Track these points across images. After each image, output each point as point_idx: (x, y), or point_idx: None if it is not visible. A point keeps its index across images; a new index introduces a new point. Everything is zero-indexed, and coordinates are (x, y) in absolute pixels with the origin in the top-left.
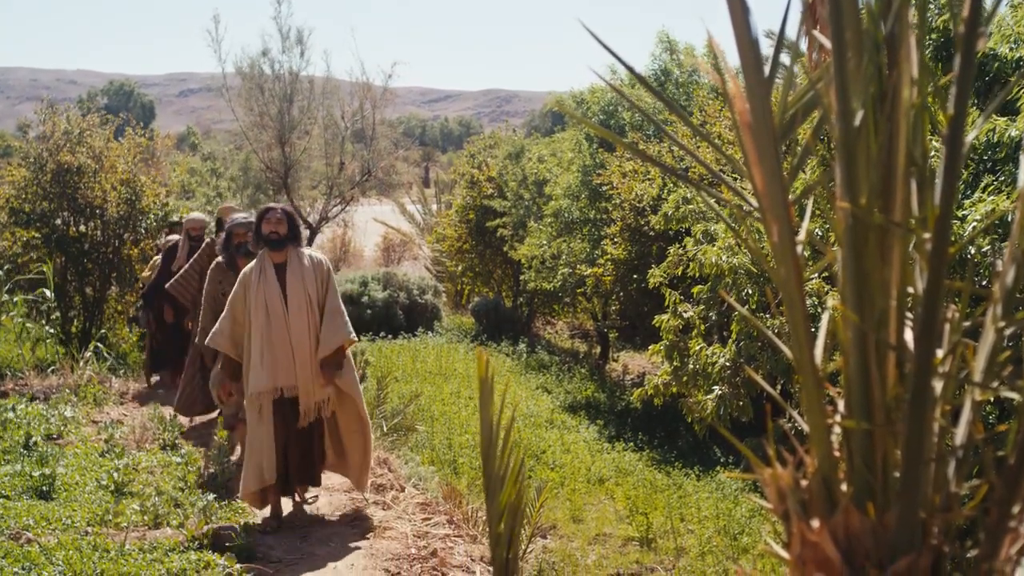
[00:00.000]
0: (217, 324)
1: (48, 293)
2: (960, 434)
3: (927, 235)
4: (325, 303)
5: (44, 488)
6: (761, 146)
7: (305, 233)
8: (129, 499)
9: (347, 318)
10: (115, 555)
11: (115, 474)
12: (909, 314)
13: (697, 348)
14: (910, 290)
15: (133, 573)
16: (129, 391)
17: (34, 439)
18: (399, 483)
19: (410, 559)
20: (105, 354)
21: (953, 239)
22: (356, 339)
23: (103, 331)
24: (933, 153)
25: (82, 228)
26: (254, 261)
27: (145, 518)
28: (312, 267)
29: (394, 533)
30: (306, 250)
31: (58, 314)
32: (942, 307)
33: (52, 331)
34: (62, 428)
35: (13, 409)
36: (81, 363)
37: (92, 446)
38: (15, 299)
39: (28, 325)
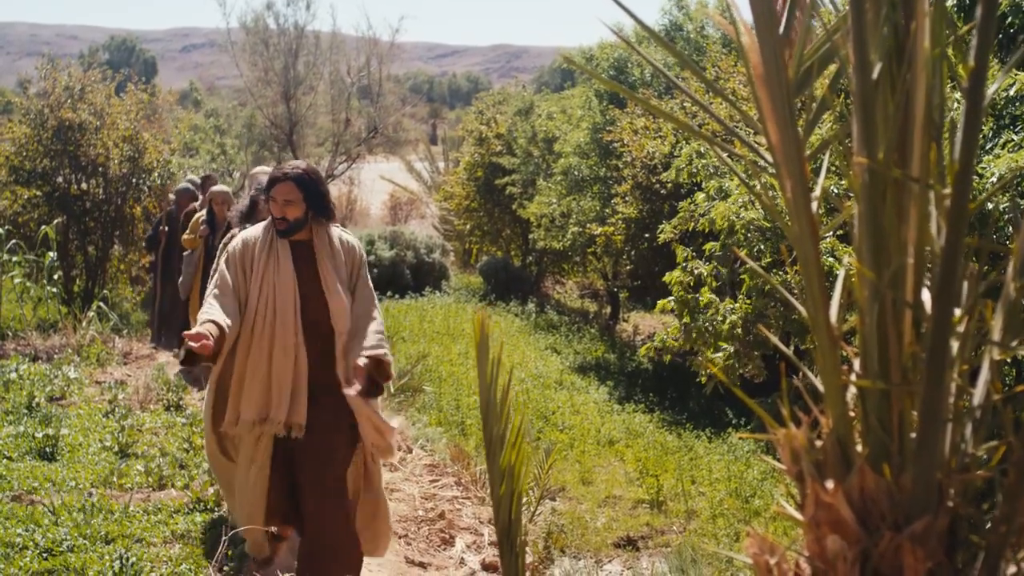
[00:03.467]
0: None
1: (51, 253)
2: (978, 394)
3: (946, 191)
4: (354, 305)
5: (48, 449)
6: (776, 100)
7: None
8: (133, 460)
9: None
10: (120, 516)
11: (119, 435)
12: (927, 272)
13: (708, 300)
14: (928, 247)
15: (138, 534)
16: (133, 351)
17: (37, 400)
18: (406, 444)
19: (417, 521)
20: (108, 314)
21: (972, 195)
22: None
23: (105, 291)
24: (954, 107)
25: (84, 186)
26: (257, 228)
27: (150, 479)
28: (343, 252)
29: (401, 495)
30: (336, 229)
31: (60, 274)
32: (960, 264)
33: (54, 291)
34: (65, 389)
35: (16, 370)
36: (84, 323)
37: (96, 407)
38: (16, 259)
39: (29, 285)
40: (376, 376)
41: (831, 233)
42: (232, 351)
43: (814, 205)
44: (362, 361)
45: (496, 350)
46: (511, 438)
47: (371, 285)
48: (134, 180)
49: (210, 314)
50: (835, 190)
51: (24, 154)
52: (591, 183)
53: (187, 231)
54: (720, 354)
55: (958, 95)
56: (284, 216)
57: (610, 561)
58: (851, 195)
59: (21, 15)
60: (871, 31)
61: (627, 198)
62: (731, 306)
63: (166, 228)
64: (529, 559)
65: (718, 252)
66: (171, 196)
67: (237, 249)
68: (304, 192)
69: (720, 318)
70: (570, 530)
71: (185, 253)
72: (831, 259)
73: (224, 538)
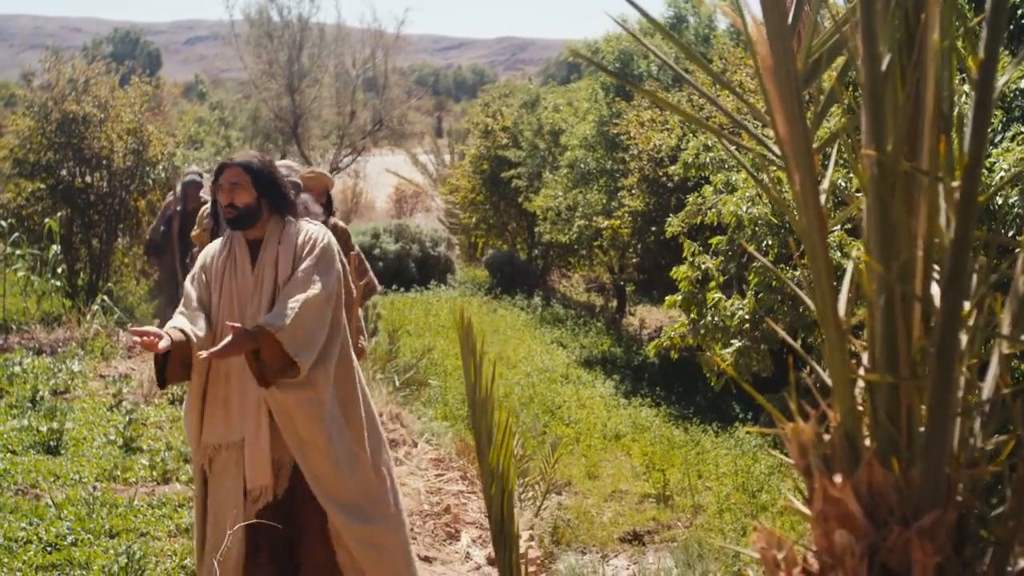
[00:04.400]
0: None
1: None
2: (987, 388)
3: (955, 184)
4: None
5: (52, 443)
6: (784, 91)
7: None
8: (138, 454)
9: (311, 306)
10: (124, 510)
11: (123, 429)
12: (936, 265)
13: (715, 299)
14: (937, 240)
15: (142, 529)
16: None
17: (41, 393)
18: (411, 439)
19: (423, 515)
20: (112, 307)
21: (982, 188)
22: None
23: (110, 284)
24: (963, 99)
25: (88, 179)
26: (219, 240)
27: (154, 473)
28: (307, 247)
29: (407, 489)
30: (309, 224)
31: (64, 267)
32: (970, 258)
33: (58, 284)
34: (69, 382)
35: (20, 363)
36: (88, 316)
37: (100, 401)
38: (20, 252)
39: (33, 278)
40: (253, 345)
41: (839, 227)
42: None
43: (822, 198)
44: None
45: (480, 344)
46: (498, 436)
47: (320, 271)
48: (138, 173)
49: (175, 322)
50: (843, 183)
51: (28, 147)
52: (597, 176)
53: (196, 226)
54: (728, 350)
55: (968, 88)
56: (232, 202)
57: (616, 555)
58: (860, 187)
59: (25, 7)
60: (880, 22)
61: (634, 191)
62: (739, 302)
63: (166, 228)
64: (535, 553)
65: (725, 247)
66: (169, 196)
67: (199, 263)
68: (252, 176)
69: (728, 314)
70: (576, 524)
71: (194, 249)
72: (838, 254)
73: (228, 532)
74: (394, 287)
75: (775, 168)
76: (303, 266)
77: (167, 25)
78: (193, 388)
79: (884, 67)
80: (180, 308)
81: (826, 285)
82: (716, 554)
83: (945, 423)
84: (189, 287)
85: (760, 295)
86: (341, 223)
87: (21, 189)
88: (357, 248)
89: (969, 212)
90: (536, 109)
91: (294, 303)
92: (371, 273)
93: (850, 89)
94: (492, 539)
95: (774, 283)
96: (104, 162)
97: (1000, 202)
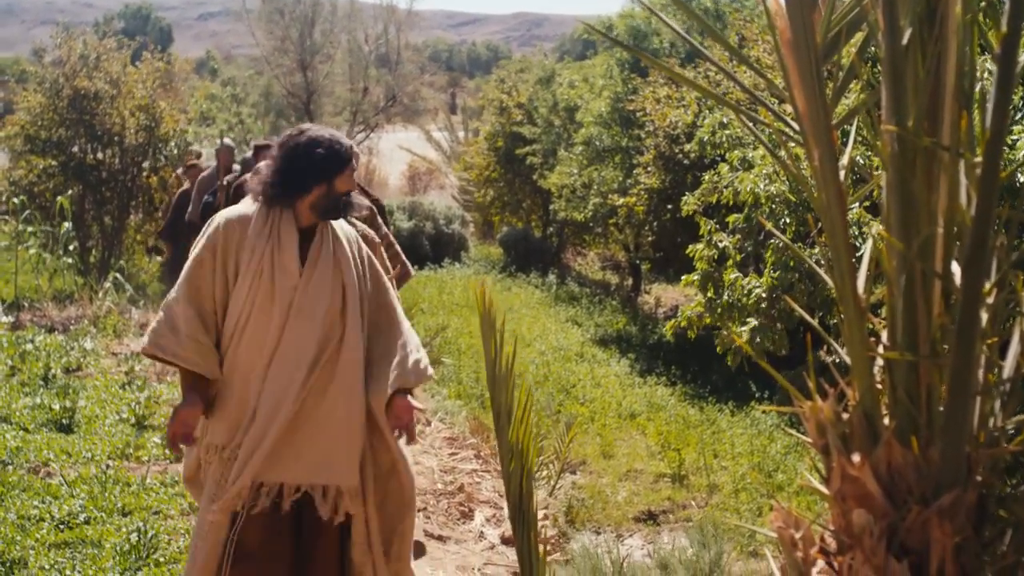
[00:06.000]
0: (160, 318)
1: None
2: (1007, 367)
3: (977, 160)
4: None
5: (64, 421)
6: (803, 65)
7: None
8: (150, 432)
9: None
10: (136, 488)
11: (136, 407)
12: (956, 242)
13: (732, 278)
14: (958, 217)
15: (155, 507)
16: (149, 322)
17: (53, 371)
18: (425, 417)
19: (436, 494)
20: (124, 285)
21: (1003, 165)
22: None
23: (122, 261)
24: (984, 75)
25: (99, 156)
26: (244, 206)
27: (166, 451)
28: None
29: (420, 468)
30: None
31: (76, 244)
32: (991, 235)
33: (70, 261)
34: (81, 360)
35: (32, 341)
36: (100, 294)
37: (112, 379)
38: (31, 229)
39: (45, 256)
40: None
41: (858, 204)
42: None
43: (841, 174)
44: None
45: (501, 321)
46: (518, 413)
47: (392, 288)
48: (151, 150)
49: (195, 388)
50: (861, 160)
51: (39, 123)
52: (613, 153)
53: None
54: (745, 328)
55: (990, 63)
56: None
57: (631, 535)
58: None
59: None
60: None
61: (649, 168)
62: (755, 280)
63: (211, 200)
64: (549, 532)
65: (742, 224)
66: (178, 172)
67: (223, 230)
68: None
69: (745, 293)
70: (591, 504)
71: None
72: (856, 232)
73: (240, 512)
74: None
75: (793, 144)
76: (391, 290)
77: (178, 1)
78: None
79: (905, 41)
80: (189, 326)
81: (845, 262)
82: (731, 534)
83: (965, 402)
84: (196, 273)
85: (777, 273)
86: (373, 195)
87: (33, 166)
88: (387, 229)
89: (990, 189)
90: (551, 85)
91: (415, 352)
92: (403, 256)
93: (869, 64)
94: (510, 517)
95: (792, 262)
96: (116, 139)
97: (1022, 179)
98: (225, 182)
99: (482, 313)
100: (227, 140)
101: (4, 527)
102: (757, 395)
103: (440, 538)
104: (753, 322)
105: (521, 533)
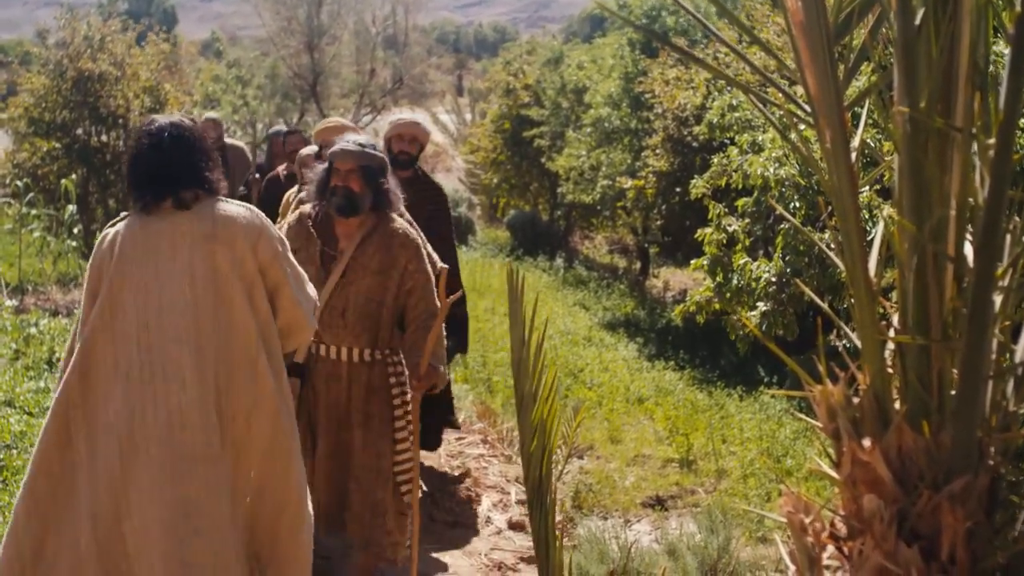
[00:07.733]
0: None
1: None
2: (1020, 351)
3: (990, 142)
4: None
5: None
6: (814, 46)
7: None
8: None
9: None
10: None
11: None
12: (969, 225)
13: (741, 263)
14: (970, 200)
15: None
16: None
17: (58, 355)
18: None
19: (443, 479)
20: None
21: (1017, 147)
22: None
23: None
24: (997, 56)
25: (104, 138)
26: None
27: None
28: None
29: (427, 452)
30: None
31: (80, 227)
32: (1004, 218)
33: (74, 245)
34: None
35: (36, 325)
36: None
37: None
38: (35, 212)
39: (49, 239)
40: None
41: (868, 187)
42: None
43: (853, 156)
44: None
45: (530, 305)
46: (544, 394)
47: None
48: None
49: None
50: (872, 142)
51: (43, 105)
52: (621, 135)
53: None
54: (753, 312)
55: (1003, 45)
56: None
57: (639, 520)
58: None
59: None
60: None
61: (658, 151)
62: (765, 264)
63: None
64: (557, 518)
65: (751, 208)
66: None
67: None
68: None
69: (754, 277)
70: (598, 489)
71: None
72: (867, 215)
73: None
74: None
75: (804, 126)
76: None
77: None
78: None
79: (918, 21)
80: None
81: (857, 245)
82: (740, 519)
83: (977, 386)
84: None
85: (787, 257)
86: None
87: (36, 148)
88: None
89: (1004, 171)
90: (559, 67)
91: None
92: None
93: (881, 45)
94: (527, 500)
95: (802, 247)
96: (120, 121)
97: None
98: (256, 175)
99: (510, 292)
100: (210, 113)
101: (9, 512)
102: (766, 380)
103: (447, 523)
104: (763, 307)
105: (538, 516)
